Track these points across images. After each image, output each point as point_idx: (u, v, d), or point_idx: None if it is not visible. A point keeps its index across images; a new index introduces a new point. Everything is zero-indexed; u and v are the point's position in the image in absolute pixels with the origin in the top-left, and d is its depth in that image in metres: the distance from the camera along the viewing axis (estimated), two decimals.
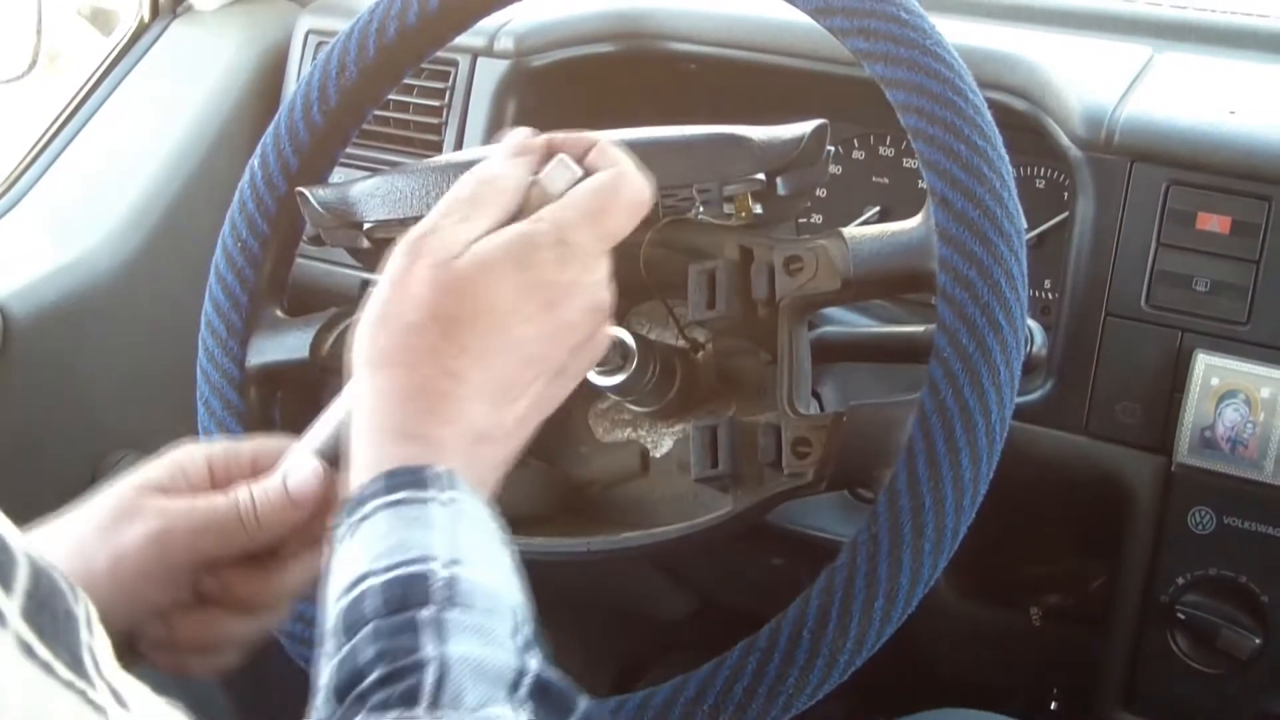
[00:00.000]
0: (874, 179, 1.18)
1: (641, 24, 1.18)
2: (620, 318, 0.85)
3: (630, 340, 0.77)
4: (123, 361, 1.31)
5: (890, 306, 1.12)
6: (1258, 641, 0.93)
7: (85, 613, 0.35)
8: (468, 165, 0.80)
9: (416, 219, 0.79)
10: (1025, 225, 0.72)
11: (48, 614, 0.33)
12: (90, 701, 0.33)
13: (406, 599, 0.50)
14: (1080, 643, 1.07)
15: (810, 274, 0.75)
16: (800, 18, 0.76)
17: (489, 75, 1.20)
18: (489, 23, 1.17)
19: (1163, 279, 0.95)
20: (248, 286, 0.86)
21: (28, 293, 1.21)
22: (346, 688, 0.48)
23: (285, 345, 0.84)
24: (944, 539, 0.67)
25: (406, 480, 0.54)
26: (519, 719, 0.48)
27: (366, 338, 0.59)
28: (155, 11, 1.38)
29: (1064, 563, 1.14)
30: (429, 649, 0.48)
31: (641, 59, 1.19)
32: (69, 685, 0.33)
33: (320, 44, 1.28)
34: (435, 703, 0.47)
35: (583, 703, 0.51)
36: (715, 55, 1.15)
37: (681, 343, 0.83)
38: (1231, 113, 0.97)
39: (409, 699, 0.47)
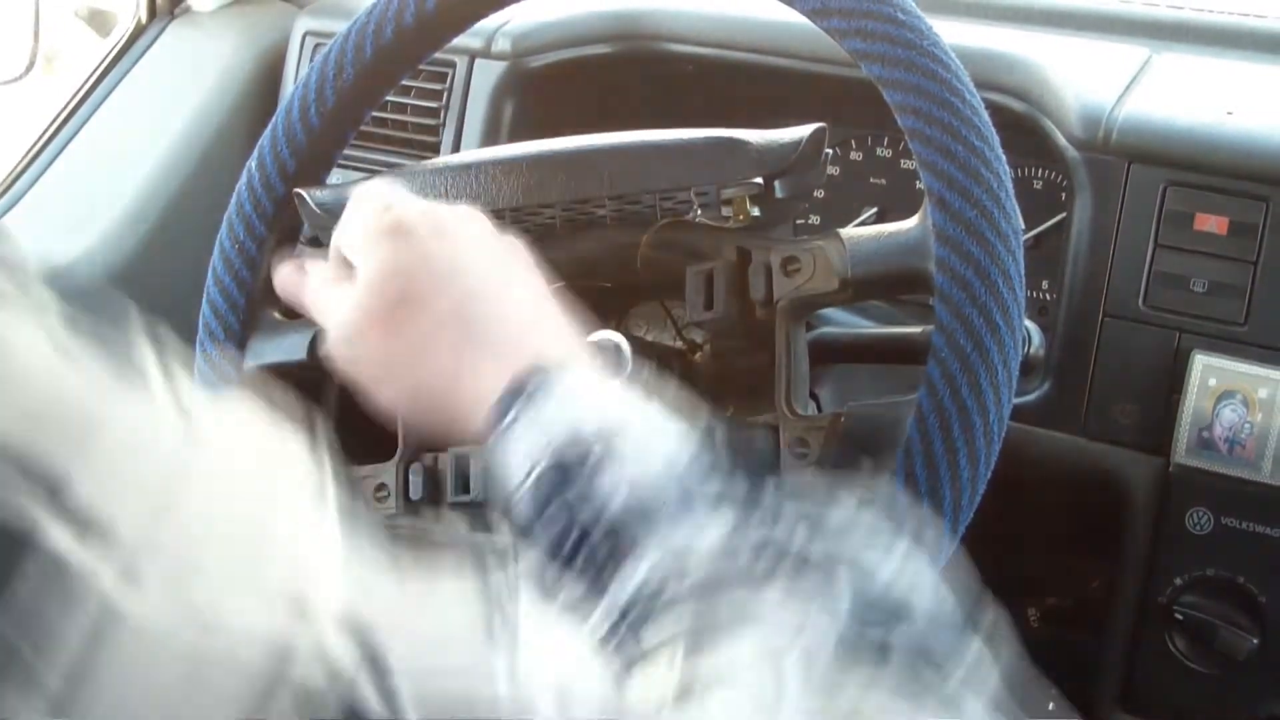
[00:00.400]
0: (871, 180, 1.18)
1: (639, 25, 1.18)
2: (618, 319, 0.86)
3: (625, 344, 0.77)
4: None
5: (888, 307, 1.12)
6: (1255, 642, 0.93)
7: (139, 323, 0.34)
8: (466, 167, 0.81)
9: None
10: (1023, 226, 0.72)
11: (89, 318, 0.32)
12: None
13: (561, 478, 0.51)
14: (1078, 643, 1.07)
15: (808, 275, 0.75)
16: (798, 19, 0.76)
17: (487, 77, 1.20)
18: (486, 24, 1.17)
19: (1160, 280, 0.95)
20: (245, 289, 0.86)
21: None
22: (548, 574, 0.50)
23: (283, 347, 0.84)
24: (941, 540, 0.67)
25: (512, 398, 0.56)
26: (714, 507, 0.48)
27: (384, 385, 0.64)
28: (153, 13, 1.38)
29: (1061, 563, 1.14)
30: (592, 506, 0.49)
31: (639, 60, 1.19)
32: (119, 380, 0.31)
33: (318, 46, 1.28)
34: (618, 554, 0.48)
35: (760, 441, 0.50)
36: (713, 56, 1.15)
37: (679, 344, 0.83)
38: (1229, 113, 0.97)
39: (591, 560, 0.48)
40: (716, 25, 1.15)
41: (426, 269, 0.63)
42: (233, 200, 0.87)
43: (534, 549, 0.52)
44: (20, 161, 1.31)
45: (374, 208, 0.66)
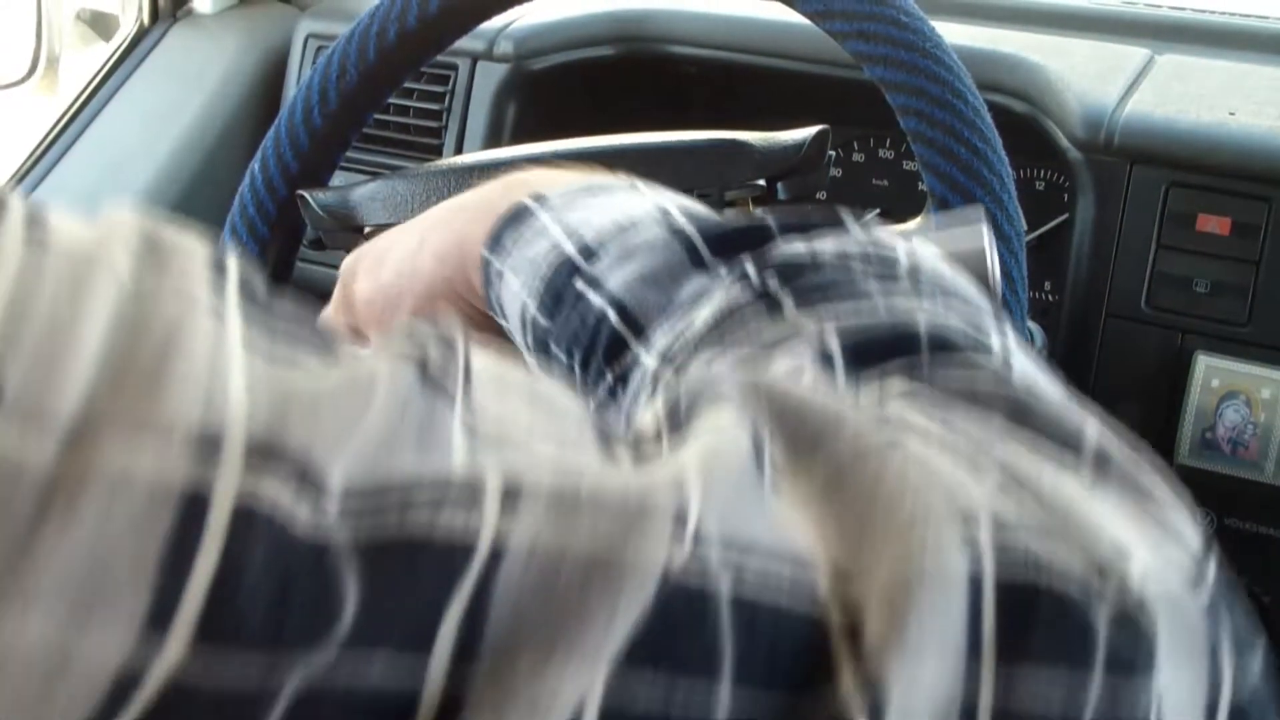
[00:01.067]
0: (874, 181, 1.18)
1: (641, 27, 1.18)
2: None
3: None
4: None
5: None
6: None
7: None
8: (468, 169, 0.81)
9: None
10: (1025, 227, 0.72)
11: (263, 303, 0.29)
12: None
13: (559, 289, 0.49)
14: None
15: None
16: (800, 21, 0.76)
17: (489, 79, 1.20)
18: (489, 26, 1.17)
19: (1163, 280, 0.95)
20: None
21: None
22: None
23: None
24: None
25: (500, 232, 0.54)
26: (720, 280, 0.44)
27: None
28: (155, 16, 1.38)
29: None
30: (595, 300, 0.47)
31: (641, 62, 1.19)
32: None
33: (320, 48, 1.28)
34: (635, 332, 0.45)
35: (773, 222, 0.46)
36: (715, 58, 1.15)
37: None
38: (1231, 114, 0.97)
39: (613, 350, 0.45)
40: (719, 27, 1.15)
41: (383, 253, 0.61)
42: (235, 202, 0.88)
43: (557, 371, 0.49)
44: (23, 164, 1.31)
45: (328, 308, 0.66)
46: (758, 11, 1.13)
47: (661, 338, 0.44)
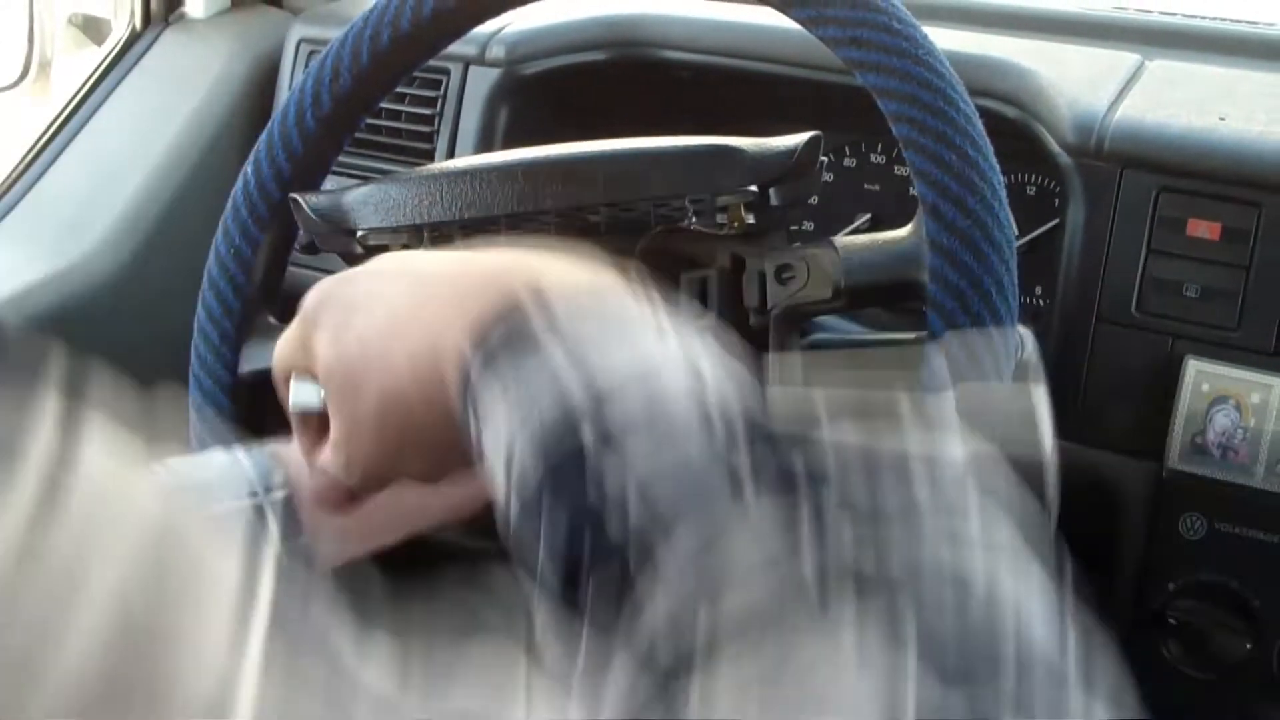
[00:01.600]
0: (865, 186, 1.19)
1: (634, 32, 1.18)
2: None
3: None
4: (115, 370, 1.30)
5: (883, 312, 1.12)
6: (1249, 646, 0.93)
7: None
8: (461, 173, 0.81)
9: (409, 227, 0.80)
10: (1016, 233, 0.72)
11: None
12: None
13: (562, 436, 0.42)
14: None
15: (801, 283, 0.75)
16: (793, 26, 0.77)
17: (481, 83, 1.20)
18: (481, 31, 1.17)
19: (1153, 285, 0.95)
20: (241, 293, 0.86)
21: (20, 301, 1.21)
22: (569, 562, 0.40)
23: None
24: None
25: (490, 336, 0.47)
26: (758, 500, 0.38)
27: (409, 454, 0.57)
28: (147, 20, 1.38)
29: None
30: (611, 469, 0.40)
31: (633, 67, 1.19)
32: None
33: (312, 53, 1.28)
34: (660, 528, 0.39)
35: (823, 414, 0.40)
36: (708, 63, 1.15)
37: None
38: (1222, 119, 0.97)
39: (627, 540, 0.39)
40: (711, 32, 1.15)
41: (350, 309, 0.56)
42: (228, 205, 0.88)
43: (528, 574, 0.42)
44: (16, 168, 1.31)
45: (281, 342, 0.62)
46: (750, 17, 1.13)
47: (686, 539, 0.38)
